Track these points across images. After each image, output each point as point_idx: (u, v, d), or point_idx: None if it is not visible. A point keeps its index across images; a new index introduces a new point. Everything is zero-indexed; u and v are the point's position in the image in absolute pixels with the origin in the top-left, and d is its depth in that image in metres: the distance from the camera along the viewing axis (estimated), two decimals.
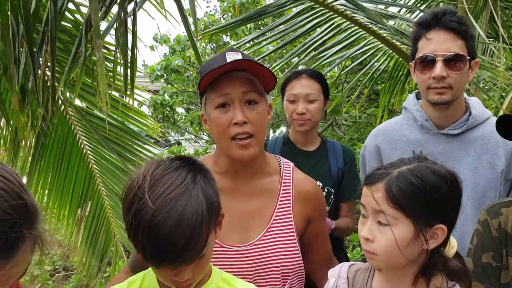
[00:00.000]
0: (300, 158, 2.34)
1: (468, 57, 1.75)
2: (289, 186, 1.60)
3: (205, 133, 6.83)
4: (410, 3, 4.17)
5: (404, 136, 1.93)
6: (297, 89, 2.38)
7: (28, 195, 0.90)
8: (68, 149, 3.23)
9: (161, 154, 3.84)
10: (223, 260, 1.49)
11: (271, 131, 7.06)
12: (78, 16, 2.74)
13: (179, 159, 1.19)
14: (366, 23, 3.06)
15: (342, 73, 4.64)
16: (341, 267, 1.37)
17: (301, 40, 3.64)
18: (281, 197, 1.58)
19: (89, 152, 3.29)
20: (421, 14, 3.17)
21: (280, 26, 3.31)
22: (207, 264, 1.22)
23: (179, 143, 7.90)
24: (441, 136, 1.87)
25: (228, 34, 5.89)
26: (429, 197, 1.17)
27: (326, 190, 2.36)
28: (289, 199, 1.58)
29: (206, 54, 6.18)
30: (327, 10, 3.10)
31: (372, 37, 3.24)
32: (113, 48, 2.51)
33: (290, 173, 1.62)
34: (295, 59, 3.71)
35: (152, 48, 6.55)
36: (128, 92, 2.25)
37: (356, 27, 3.19)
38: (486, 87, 4.85)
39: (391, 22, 3.42)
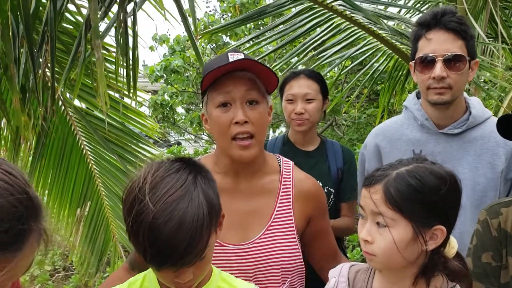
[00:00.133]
0: (300, 158, 2.33)
1: (468, 57, 1.75)
2: (289, 185, 1.60)
3: (205, 133, 6.82)
4: (410, 4, 4.18)
5: (404, 135, 1.93)
6: (295, 89, 2.38)
7: (32, 190, 0.91)
8: (68, 150, 3.24)
9: (160, 155, 3.84)
10: (223, 259, 1.49)
11: (271, 131, 7.06)
12: (79, 18, 2.75)
13: (179, 161, 1.18)
14: (366, 23, 3.06)
15: (341, 73, 4.63)
16: (342, 268, 1.37)
17: (301, 40, 3.64)
18: (281, 196, 1.58)
19: (89, 152, 3.30)
20: (421, 14, 3.17)
21: (280, 26, 3.31)
22: (207, 265, 1.22)
23: (179, 143, 7.90)
24: (441, 136, 1.87)
25: (228, 34, 5.90)
26: (427, 198, 1.16)
27: (325, 190, 2.36)
28: (289, 198, 1.58)
29: (206, 54, 6.18)
30: (326, 10, 3.09)
31: (371, 37, 3.24)
32: (113, 49, 2.51)
33: (290, 172, 1.62)
34: (295, 59, 3.71)
35: (151, 48, 6.55)
36: (131, 94, 2.25)
37: (356, 27, 3.18)
38: (486, 87, 4.85)
39: (390, 23, 3.42)
